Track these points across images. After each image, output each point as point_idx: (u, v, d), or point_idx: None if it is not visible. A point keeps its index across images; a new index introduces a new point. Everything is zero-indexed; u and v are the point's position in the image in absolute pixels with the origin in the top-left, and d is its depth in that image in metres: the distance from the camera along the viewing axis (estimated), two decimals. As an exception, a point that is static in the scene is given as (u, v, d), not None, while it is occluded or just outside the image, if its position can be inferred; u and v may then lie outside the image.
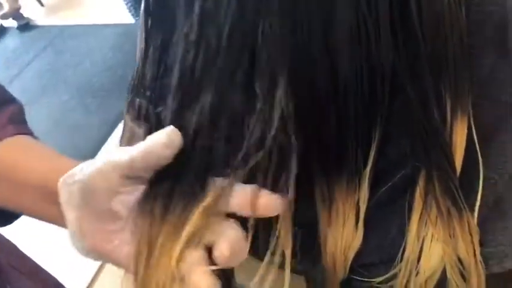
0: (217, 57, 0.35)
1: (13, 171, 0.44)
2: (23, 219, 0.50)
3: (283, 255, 0.46)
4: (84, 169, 0.37)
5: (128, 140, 0.49)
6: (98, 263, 1.27)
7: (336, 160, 0.38)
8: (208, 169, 0.36)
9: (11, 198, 0.45)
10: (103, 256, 0.38)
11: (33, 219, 0.47)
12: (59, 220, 0.40)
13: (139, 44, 0.44)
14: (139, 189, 0.37)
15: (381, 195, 0.40)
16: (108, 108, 1.86)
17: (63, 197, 0.37)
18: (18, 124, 0.52)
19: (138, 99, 0.46)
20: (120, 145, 0.51)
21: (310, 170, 0.40)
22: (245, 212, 0.36)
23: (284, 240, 0.43)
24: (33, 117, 2.07)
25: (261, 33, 0.34)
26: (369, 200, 0.40)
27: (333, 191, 0.40)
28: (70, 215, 0.37)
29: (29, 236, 1.41)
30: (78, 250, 0.38)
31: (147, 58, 0.43)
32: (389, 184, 0.39)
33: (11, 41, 2.27)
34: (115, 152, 0.37)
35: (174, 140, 0.35)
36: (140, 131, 0.46)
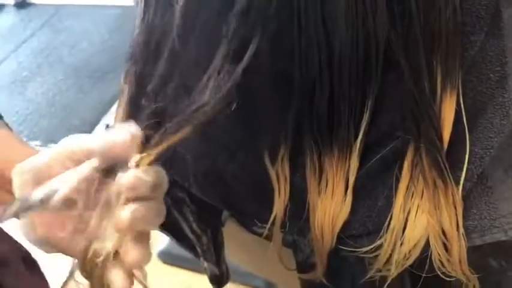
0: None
1: None
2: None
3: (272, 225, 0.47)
4: (41, 157, 0.36)
5: (124, 111, 0.50)
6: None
7: (327, 130, 0.39)
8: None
9: None
10: (52, 245, 0.38)
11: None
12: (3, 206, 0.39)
13: (138, 13, 0.45)
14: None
15: (370, 166, 0.41)
16: (103, 89, 1.86)
17: (16, 184, 0.36)
18: None
19: (135, 68, 0.47)
20: (117, 114, 0.52)
21: (302, 140, 0.41)
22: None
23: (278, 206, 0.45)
24: (28, 95, 2.06)
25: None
26: (358, 170, 0.41)
27: (323, 161, 0.41)
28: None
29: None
30: (30, 241, 0.38)
31: (143, 26, 0.44)
32: (379, 155, 0.41)
33: (8, 18, 2.25)
34: (73, 139, 0.36)
35: (136, 140, 0.35)
36: None
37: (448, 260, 0.41)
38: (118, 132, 0.35)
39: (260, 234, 0.57)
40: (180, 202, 0.54)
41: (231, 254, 0.64)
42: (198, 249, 0.61)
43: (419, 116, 0.37)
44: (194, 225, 0.56)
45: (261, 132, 0.43)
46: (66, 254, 0.38)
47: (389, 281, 0.45)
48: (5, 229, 0.53)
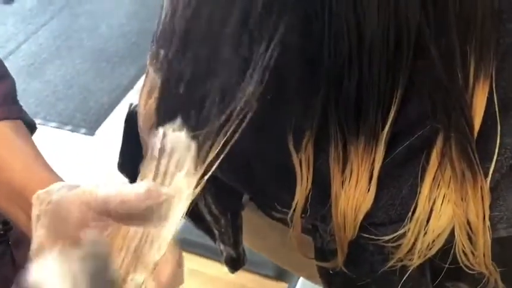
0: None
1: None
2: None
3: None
4: (61, 192, 0.37)
5: (148, 92, 0.50)
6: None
7: (354, 119, 0.39)
8: None
9: None
10: None
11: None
12: (19, 224, 0.41)
13: None
14: (107, 226, 0.37)
15: (397, 154, 0.40)
16: (120, 73, 1.87)
17: (35, 212, 0.38)
18: (9, 105, 0.51)
19: (162, 50, 0.47)
20: (140, 96, 0.52)
21: (328, 127, 0.40)
22: None
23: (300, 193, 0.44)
24: (46, 77, 2.07)
25: None
26: (384, 159, 0.40)
27: (348, 151, 0.40)
28: (36, 231, 0.38)
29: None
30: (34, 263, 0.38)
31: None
32: (406, 143, 0.40)
33: (28, 0, 2.26)
34: (94, 186, 0.37)
35: (152, 197, 0.35)
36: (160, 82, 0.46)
37: (472, 252, 0.41)
38: (136, 188, 0.36)
39: (278, 219, 0.57)
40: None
41: (245, 239, 0.64)
42: (216, 232, 0.61)
43: (450, 105, 0.36)
44: (213, 207, 0.56)
45: (286, 116, 0.43)
46: None
47: (409, 270, 0.44)
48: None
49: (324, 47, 0.36)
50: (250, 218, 0.63)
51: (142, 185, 0.36)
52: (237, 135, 0.35)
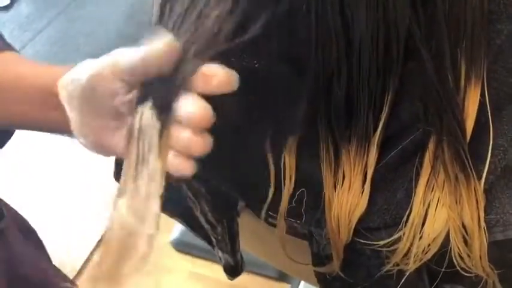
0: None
1: (13, 81, 0.44)
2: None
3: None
4: (82, 71, 0.37)
5: None
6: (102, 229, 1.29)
7: (345, 122, 0.38)
8: None
9: (9, 109, 0.45)
10: (106, 150, 0.39)
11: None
12: (59, 125, 0.40)
13: None
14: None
15: (390, 157, 0.40)
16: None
17: (64, 99, 0.38)
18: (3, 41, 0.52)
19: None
20: None
21: (317, 131, 0.40)
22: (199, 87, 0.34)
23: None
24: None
25: None
26: (377, 162, 0.40)
27: (340, 154, 0.40)
28: (72, 114, 0.38)
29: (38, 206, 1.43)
30: (83, 146, 0.39)
31: None
32: (400, 147, 0.40)
33: (25, 6, 2.26)
34: (115, 55, 0.37)
35: (173, 49, 0.34)
36: None
37: (468, 256, 0.40)
38: (156, 44, 0.34)
39: (274, 225, 0.57)
40: (195, 192, 0.54)
41: (245, 243, 0.64)
42: (213, 239, 0.61)
43: (441, 108, 0.36)
44: (209, 215, 0.55)
45: (269, 120, 0.43)
46: (118, 155, 0.39)
47: (407, 275, 0.44)
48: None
49: (312, 51, 0.36)
50: (249, 222, 0.62)
51: (159, 42, 0.35)
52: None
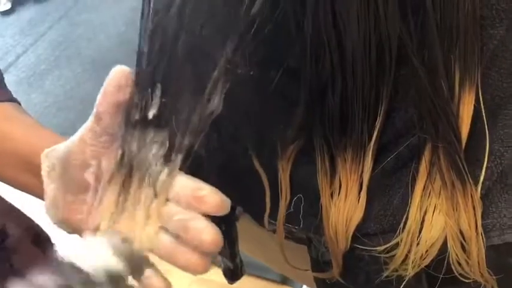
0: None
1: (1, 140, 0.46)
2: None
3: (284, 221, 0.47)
4: (64, 145, 0.39)
5: None
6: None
7: (340, 131, 0.39)
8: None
9: None
10: (72, 226, 0.41)
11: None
12: (34, 190, 0.43)
13: None
14: (105, 146, 0.38)
15: (386, 164, 0.40)
16: (120, 82, 1.87)
17: (45, 169, 0.40)
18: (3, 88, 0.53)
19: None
20: None
21: (313, 142, 0.40)
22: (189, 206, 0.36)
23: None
24: (46, 88, 2.07)
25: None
26: (373, 169, 0.40)
27: (336, 163, 0.40)
28: (49, 186, 0.40)
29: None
30: (52, 220, 0.41)
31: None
32: (395, 153, 0.39)
33: (27, 11, 2.27)
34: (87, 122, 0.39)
35: (124, 79, 0.37)
36: None
37: (466, 261, 0.40)
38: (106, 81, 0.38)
39: (274, 231, 0.57)
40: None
41: (245, 247, 0.64)
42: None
43: (436, 115, 0.36)
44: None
45: (266, 131, 0.43)
46: (80, 234, 0.41)
47: (406, 280, 0.44)
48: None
49: (306, 61, 0.36)
50: (248, 227, 0.62)
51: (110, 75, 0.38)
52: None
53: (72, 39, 2.10)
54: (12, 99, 0.53)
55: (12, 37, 2.12)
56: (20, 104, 0.55)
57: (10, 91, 0.54)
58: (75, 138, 0.39)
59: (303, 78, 0.37)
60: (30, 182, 0.44)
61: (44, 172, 0.40)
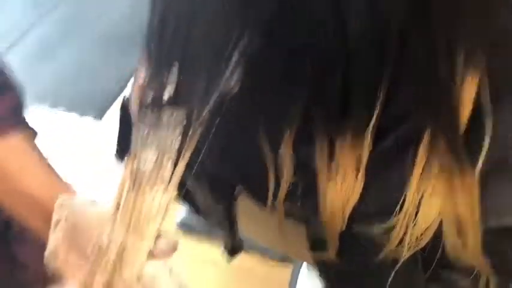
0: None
1: (12, 178, 0.46)
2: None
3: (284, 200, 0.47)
4: (84, 205, 0.40)
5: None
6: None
7: (339, 115, 0.38)
8: None
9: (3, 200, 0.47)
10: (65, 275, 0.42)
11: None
12: (38, 231, 0.44)
13: None
14: None
15: (384, 147, 0.40)
16: (130, 58, 1.86)
17: (55, 217, 0.41)
18: (20, 116, 0.52)
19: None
20: (133, 89, 0.52)
21: (311, 122, 0.40)
22: None
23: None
24: (54, 62, 2.07)
25: None
26: (371, 152, 0.40)
27: (333, 149, 0.40)
28: (54, 233, 0.41)
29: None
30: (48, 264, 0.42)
31: None
32: (394, 136, 0.39)
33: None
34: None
35: None
36: None
37: (462, 245, 0.40)
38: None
39: (274, 210, 0.57)
40: (193, 175, 0.54)
41: (245, 228, 0.65)
42: (214, 221, 0.61)
43: (436, 100, 0.36)
44: (208, 198, 0.56)
45: (267, 114, 0.43)
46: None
47: (401, 262, 0.44)
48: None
49: (306, 44, 0.36)
50: (248, 207, 0.63)
51: None
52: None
53: (82, 13, 2.09)
54: (30, 128, 0.52)
55: (22, 12, 2.12)
56: (36, 133, 0.54)
57: (26, 121, 0.53)
58: (95, 210, 0.40)
59: (304, 61, 0.37)
60: (34, 222, 0.45)
61: (53, 220, 0.41)
